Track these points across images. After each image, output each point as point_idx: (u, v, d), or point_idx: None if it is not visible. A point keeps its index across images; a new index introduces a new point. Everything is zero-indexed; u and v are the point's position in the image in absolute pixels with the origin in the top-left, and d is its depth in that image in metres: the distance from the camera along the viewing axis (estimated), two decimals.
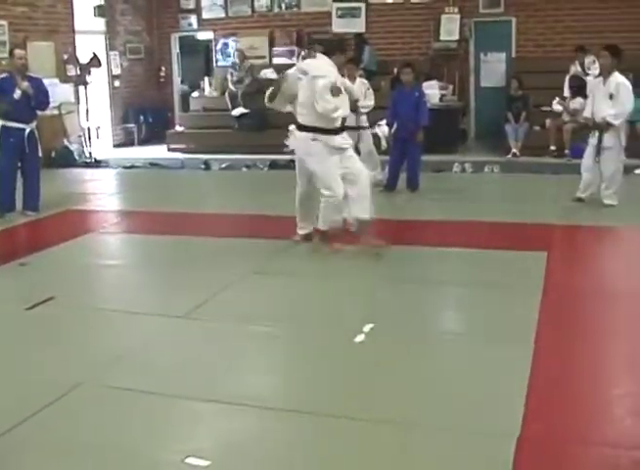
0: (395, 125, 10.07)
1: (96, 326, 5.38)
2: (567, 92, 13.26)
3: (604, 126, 8.51)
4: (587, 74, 13.28)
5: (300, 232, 7.45)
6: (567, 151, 12.80)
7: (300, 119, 7.02)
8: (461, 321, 5.51)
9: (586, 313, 5.38)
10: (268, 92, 7.40)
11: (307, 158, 7.01)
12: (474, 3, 15.25)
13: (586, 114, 8.91)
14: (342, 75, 8.33)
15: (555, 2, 14.84)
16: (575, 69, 13.51)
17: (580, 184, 8.89)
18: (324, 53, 7.33)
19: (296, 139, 7.11)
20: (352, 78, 10.41)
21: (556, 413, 3.83)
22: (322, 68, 7.01)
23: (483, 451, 3.50)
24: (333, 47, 7.42)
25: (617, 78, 8.47)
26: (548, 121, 13.31)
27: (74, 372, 4.46)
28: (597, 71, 13.30)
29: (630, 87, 8.48)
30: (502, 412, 3.83)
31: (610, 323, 5.19)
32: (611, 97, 8.45)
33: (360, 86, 10.42)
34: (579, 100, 12.73)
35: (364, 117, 10.48)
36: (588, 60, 13.44)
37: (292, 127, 7.23)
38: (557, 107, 13.22)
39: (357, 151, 10.57)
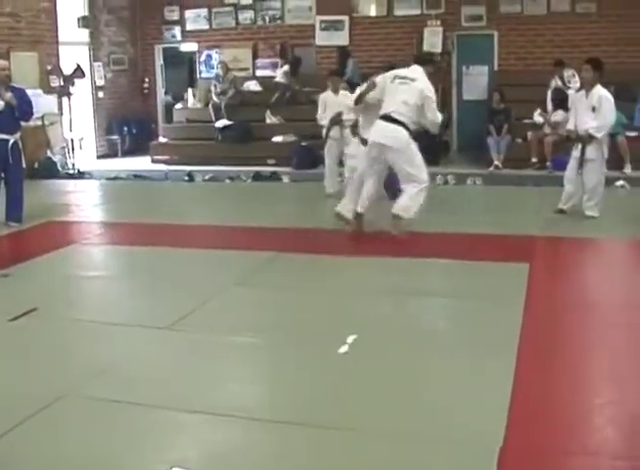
0: None
1: (79, 338, 5.37)
2: (549, 105, 13.38)
3: (587, 139, 8.57)
4: (568, 88, 13.43)
5: (360, 210, 8.20)
6: (548, 163, 12.91)
7: (401, 117, 7.83)
8: (443, 332, 5.53)
9: (568, 325, 5.42)
10: (355, 97, 8.61)
11: (406, 149, 7.85)
12: (456, 16, 15.39)
13: (569, 126, 8.98)
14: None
15: (536, 16, 15.01)
16: (556, 82, 13.64)
17: (562, 196, 8.95)
18: (417, 63, 8.26)
19: (394, 132, 7.83)
20: (336, 91, 10.52)
21: (539, 423, 3.86)
22: (425, 79, 8.02)
23: (467, 461, 3.53)
24: (426, 59, 8.61)
25: (600, 91, 8.54)
26: (530, 134, 13.42)
27: (57, 384, 4.45)
28: (577, 85, 13.50)
29: (612, 100, 8.55)
30: (485, 423, 3.86)
31: (591, 334, 5.23)
32: (593, 110, 8.51)
33: (344, 99, 10.51)
34: (561, 113, 12.86)
35: (348, 130, 10.55)
36: (568, 73, 13.59)
37: (381, 122, 7.95)
38: (538, 118, 13.34)
39: (341, 163, 10.68)
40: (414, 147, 7.91)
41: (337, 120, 10.48)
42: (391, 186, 9.95)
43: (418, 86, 7.88)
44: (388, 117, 7.88)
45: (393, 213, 7.92)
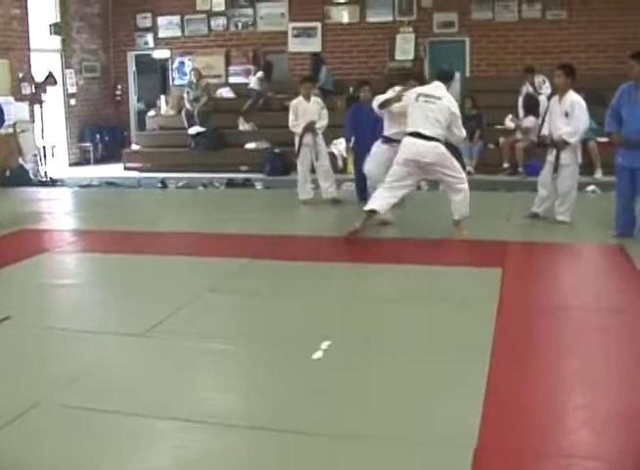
0: (354, 140, 10.31)
1: (53, 346, 5.34)
2: (520, 111, 13.50)
3: (561, 144, 8.63)
4: (539, 94, 13.58)
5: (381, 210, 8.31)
6: (520, 168, 13.01)
7: (430, 132, 8.02)
8: (417, 337, 5.55)
9: (540, 328, 5.45)
10: (382, 100, 8.97)
11: (446, 160, 8.15)
12: (428, 23, 15.51)
13: (544, 131, 9.04)
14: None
15: (507, 23, 15.16)
16: (527, 88, 13.77)
17: (535, 199, 9.02)
18: (440, 80, 8.37)
19: (431, 148, 8.03)
20: (308, 97, 10.56)
21: (512, 426, 3.89)
22: (449, 96, 8.29)
23: (442, 464, 3.55)
24: (448, 75, 8.56)
25: (572, 97, 8.58)
26: (501, 140, 13.52)
27: (32, 392, 4.41)
28: (548, 91, 13.66)
29: (585, 105, 8.55)
30: (460, 425, 3.88)
31: (563, 338, 5.27)
32: (566, 115, 8.56)
33: (315, 105, 10.56)
34: (531, 119, 12.99)
35: (320, 137, 10.60)
36: (538, 80, 13.76)
37: (413, 139, 8.13)
38: (510, 124, 13.45)
39: (313, 170, 10.73)
40: (449, 154, 8.20)
41: (309, 127, 10.51)
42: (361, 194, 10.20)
43: (445, 104, 8.07)
44: (420, 135, 8.05)
45: (455, 220, 8.31)
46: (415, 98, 8.20)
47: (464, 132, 8.38)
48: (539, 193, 9.00)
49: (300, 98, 10.69)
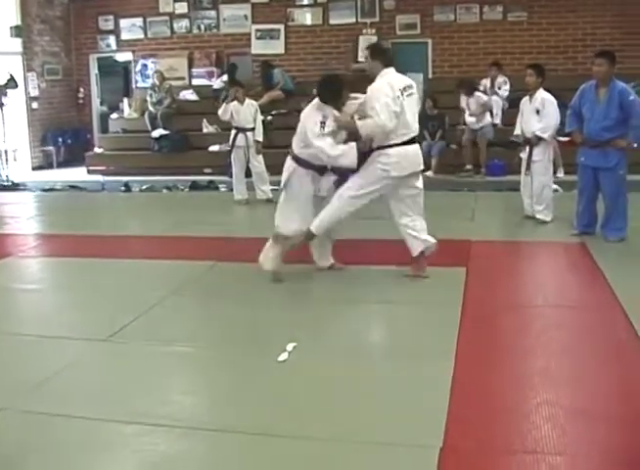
0: None
1: (16, 351, 5.29)
2: (463, 102, 13.51)
3: (534, 141, 8.75)
4: (495, 93, 13.69)
5: None
6: (482, 169, 13.09)
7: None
8: (382, 338, 5.59)
9: (504, 326, 5.51)
10: None
11: None
12: (390, 25, 15.56)
13: (516, 131, 9.17)
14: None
15: (468, 25, 15.26)
16: (485, 84, 13.89)
17: (524, 203, 9.15)
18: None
19: None
20: (239, 100, 10.83)
21: (477, 424, 3.93)
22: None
23: (408, 463, 3.58)
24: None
25: (542, 94, 8.77)
26: (464, 138, 13.56)
27: None
28: (506, 93, 13.75)
29: (555, 102, 8.75)
30: (425, 425, 3.91)
31: (526, 335, 5.32)
32: (537, 112, 8.73)
33: (249, 108, 10.82)
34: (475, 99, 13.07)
35: (251, 138, 10.79)
36: (500, 80, 13.84)
37: None
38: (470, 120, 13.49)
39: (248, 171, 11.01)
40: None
41: (242, 129, 10.75)
42: None
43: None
44: None
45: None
46: None
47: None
48: (522, 193, 9.12)
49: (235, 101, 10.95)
